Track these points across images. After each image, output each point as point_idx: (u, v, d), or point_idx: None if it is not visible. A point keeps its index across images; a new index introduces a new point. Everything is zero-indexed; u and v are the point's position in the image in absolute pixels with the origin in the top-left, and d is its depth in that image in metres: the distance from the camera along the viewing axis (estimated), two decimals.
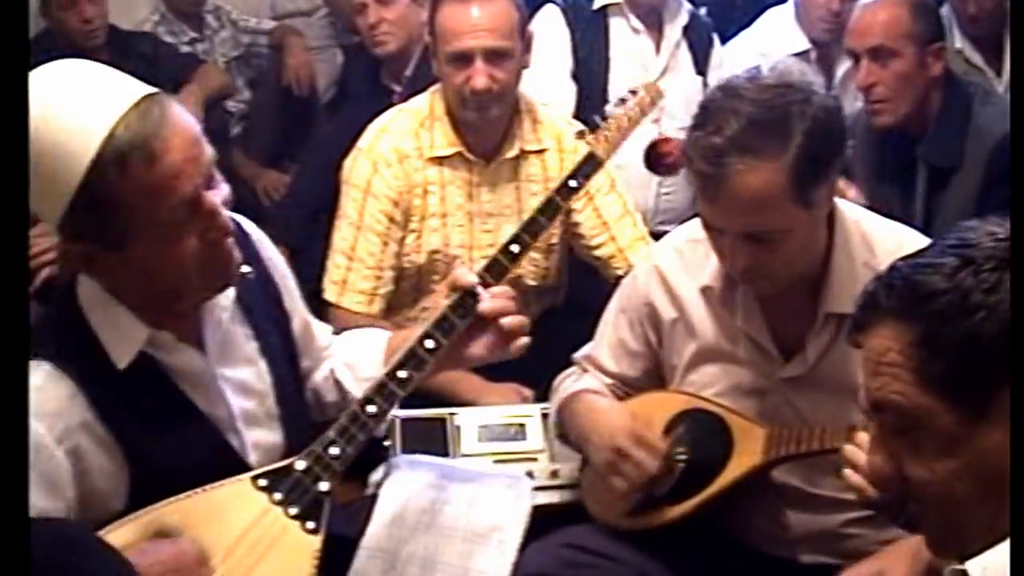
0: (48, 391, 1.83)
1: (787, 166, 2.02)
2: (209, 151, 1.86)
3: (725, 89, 2.09)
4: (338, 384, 2.29)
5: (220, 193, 1.88)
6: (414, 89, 3.46)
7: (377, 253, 3.12)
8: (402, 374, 2.08)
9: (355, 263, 3.11)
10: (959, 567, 1.35)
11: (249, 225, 2.15)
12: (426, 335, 2.11)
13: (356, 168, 3.15)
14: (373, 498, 2.20)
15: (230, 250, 1.92)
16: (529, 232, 2.31)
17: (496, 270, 2.23)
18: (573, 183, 2.34)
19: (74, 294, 1.92)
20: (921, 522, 1.43)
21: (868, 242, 2.20)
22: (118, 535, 1.85)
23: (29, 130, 1.70)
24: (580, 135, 2.39)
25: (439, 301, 2.17)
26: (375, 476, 2.15)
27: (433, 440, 2.64)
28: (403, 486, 2.24)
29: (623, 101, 2.47)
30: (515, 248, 2.28)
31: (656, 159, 3.00)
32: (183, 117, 1.83)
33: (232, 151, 4.59)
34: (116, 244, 1.81)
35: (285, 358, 2.16)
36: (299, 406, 2.18)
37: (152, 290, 1.89)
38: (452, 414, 2.72)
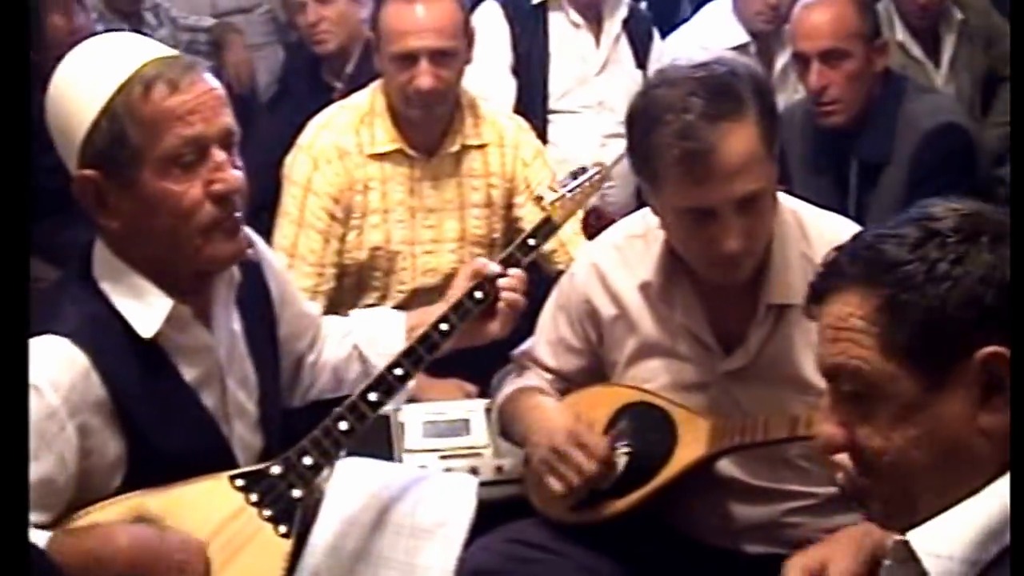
0: (64, 366, 1.85)
1: (753, 121, 2.07)
2: (234, 125, 1.94)
3: (661, 84, 2.12)
4: (362, 359, 2.36)
5: (234, 163, 1.94)
6: (355, 86, 3.45)
7: (318, 250, 3.10)
8: (372, 397, 2.12)
9: (296, 260, 3.09)
10: (901, 538, 1.37)
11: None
12: (395, 363, 2.15)
13: (297, 165, 3.14)
14: (320, 496, 2.20)
15: (235, 213, 1.95)
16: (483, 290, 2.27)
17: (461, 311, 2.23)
18: (532, 242, 2.37)
19: (89, 270, 1.95)
20: (870, 496, 1.44)
21: (805, 232, 2.22)
22: (100, 516, 1.88)
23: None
24: (538, 200, 2.44)
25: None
26: (322, 475, 2.15)
27: (377, 436, 2.62)
28: (349, 484, 2.24)
29: (581, 172, 2.48)
30: (479, 294, 2.25)
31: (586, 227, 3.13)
32: (214, 82, 1.94)
33: None
34: (126, 176, 1.87)
35: (269, 361, 2.18)
36: (276, 412, 2.20)
37: (159, 247, 1.92)
38: (396, 410, 2.69)
